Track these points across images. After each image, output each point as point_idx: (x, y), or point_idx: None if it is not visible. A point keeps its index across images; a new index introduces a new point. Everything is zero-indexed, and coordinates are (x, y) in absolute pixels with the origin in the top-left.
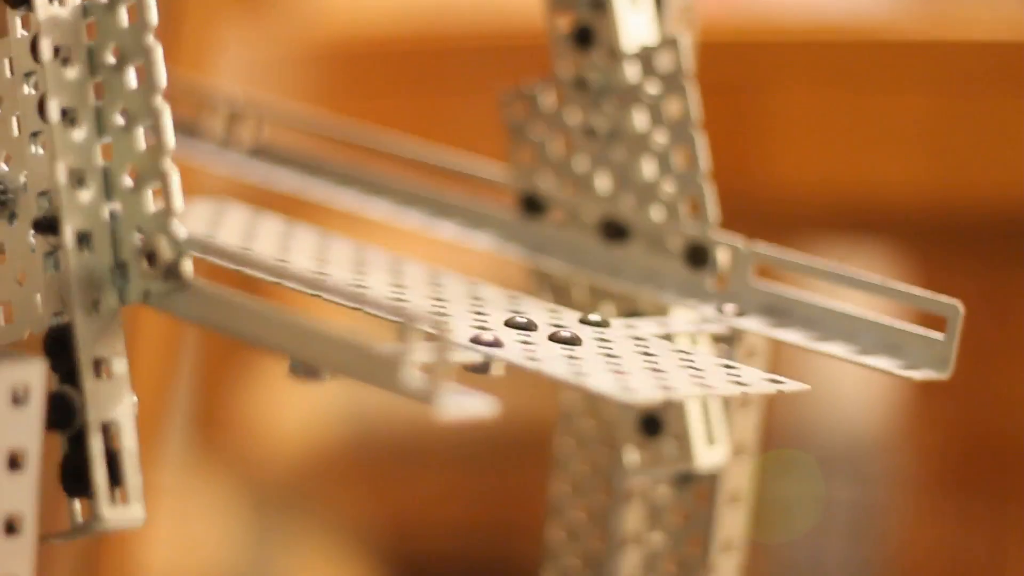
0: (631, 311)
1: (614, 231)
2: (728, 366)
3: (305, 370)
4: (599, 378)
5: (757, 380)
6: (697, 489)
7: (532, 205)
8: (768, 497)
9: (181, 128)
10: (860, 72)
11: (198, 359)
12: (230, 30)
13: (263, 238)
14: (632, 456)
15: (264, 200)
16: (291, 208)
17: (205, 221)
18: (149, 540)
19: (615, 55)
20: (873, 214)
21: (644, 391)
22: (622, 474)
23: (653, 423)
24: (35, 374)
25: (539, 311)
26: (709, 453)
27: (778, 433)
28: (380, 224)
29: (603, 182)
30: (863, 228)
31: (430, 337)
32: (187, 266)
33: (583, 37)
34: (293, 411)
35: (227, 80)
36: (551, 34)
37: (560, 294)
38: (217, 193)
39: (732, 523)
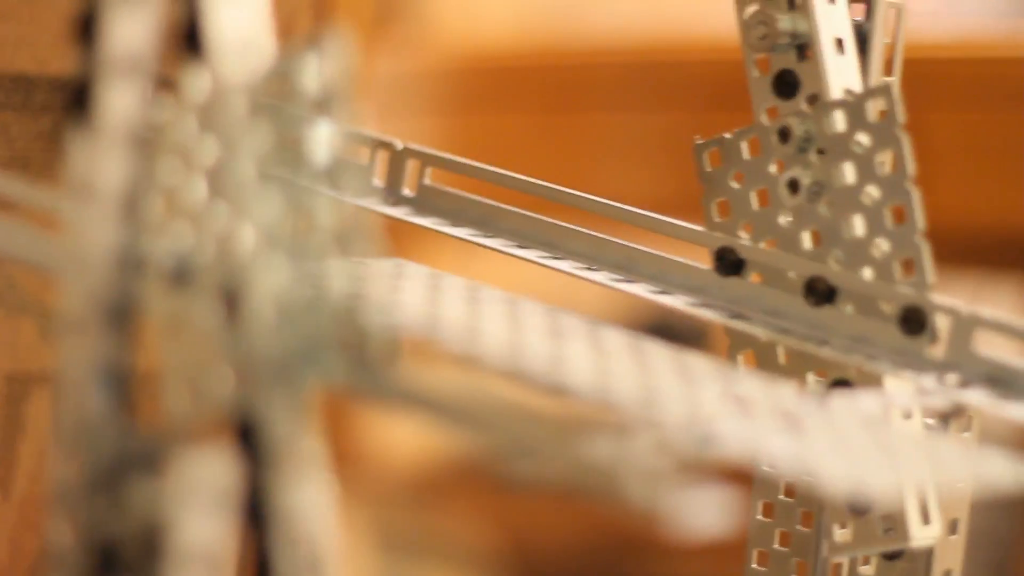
0: (839, 380)
1: (820, 292)
2: (965, 447)
3: (506, 461)
4: (829, 465)
5: (1002, 470)
6: (907, 567)
7: (729, 262)
8: None
9: None
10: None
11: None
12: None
13: (451, 305)
14: (838, 533)
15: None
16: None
17: (384, 284)
18: None
19: (820, 101)
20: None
21: (882, 481)
22: (828, 553)
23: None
24: (225, 469)
25: (754, 384)
26: (923, 532)
27: None
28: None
29: (808, 239)
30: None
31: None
32: (391, 352)
33: (785, 82)
34: (410, 432)
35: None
36: (750, 78)
37: (764, 359)
38: None
39: None
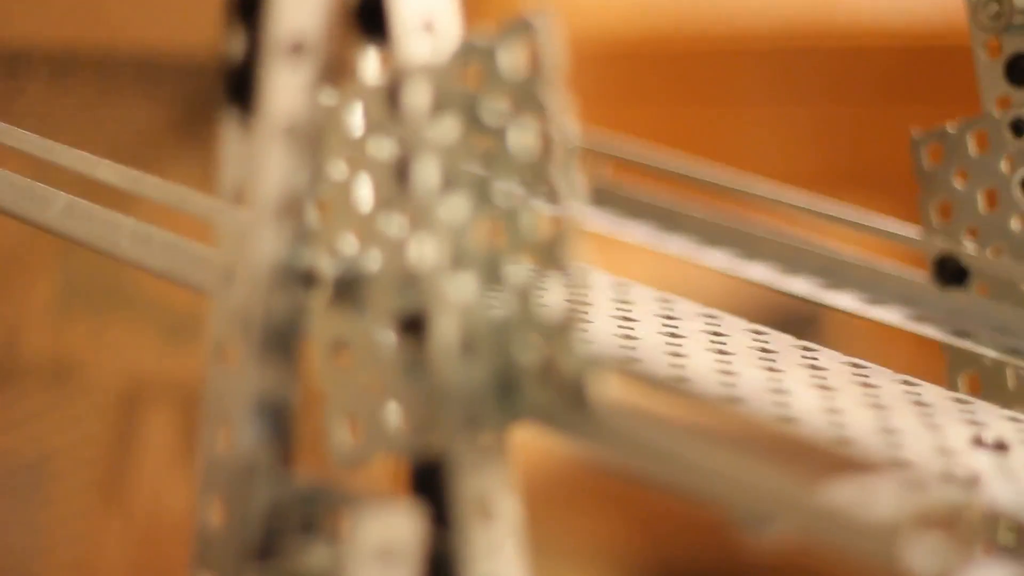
0: None
1: None
2: None
3: (748, 525)
4: None
5: None
6: None
7: (951, 271)
8: None
9: None
10: None
11: None
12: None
13: (647, 324)
14: None
15: None
16: None
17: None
18: None
19: None
20: None
21: None
22: None
23: None
24: (407, 524)
25: (997, 419)
26: None
27: None
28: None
29: None
30: None
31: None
32: (597, 386)
33: (1019, 68)
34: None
35: None
36: (978, 62)
37: (991, 382)
38: None
39: None
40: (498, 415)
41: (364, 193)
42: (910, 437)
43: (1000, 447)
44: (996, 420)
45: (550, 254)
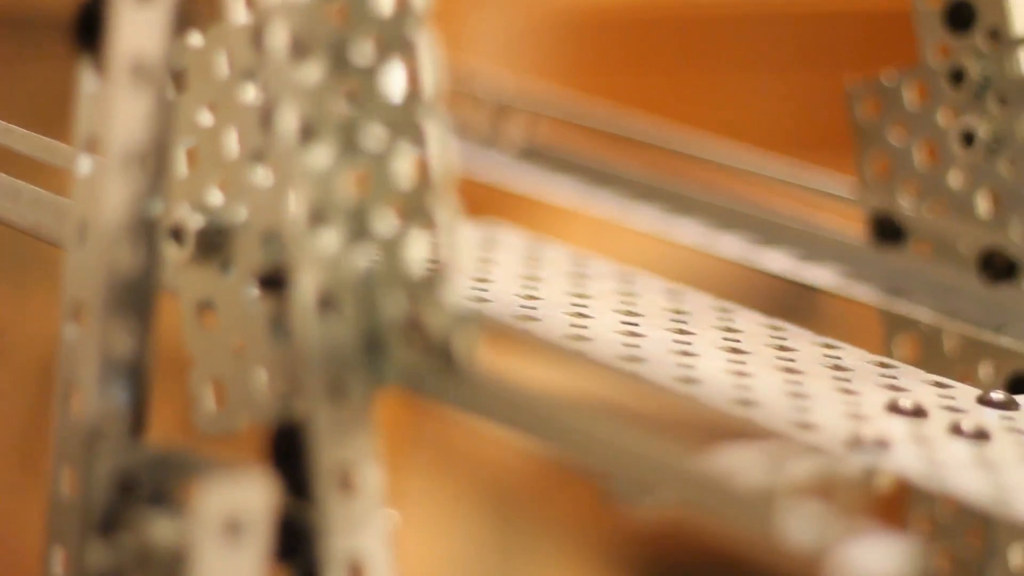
0: (1019, 373)
1: (998, 268)
2: None
3: (631, 493)
4: None
5: None
6: None
7: (888, 230)
8: None
9: None
10: None
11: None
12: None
13: (550, 284)
14: (1015, 556)
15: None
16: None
17: (475, 258)
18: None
19: (1003, 39)
20: None
21: None
22: None
23: None
24: (256, 495)
25: (921, 385)
26: None
27: None
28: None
29: (984, 203)
30: None
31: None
32: (468, 344)
33: (960, 15)
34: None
35: (470, 56)
36: (917, 9)
37: (929, 345)
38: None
39: None
40: (363, 379)
41: (230, 141)
42: (819, 402)
43: (918, 413)
44: (918, 386)
45: (419, 205)
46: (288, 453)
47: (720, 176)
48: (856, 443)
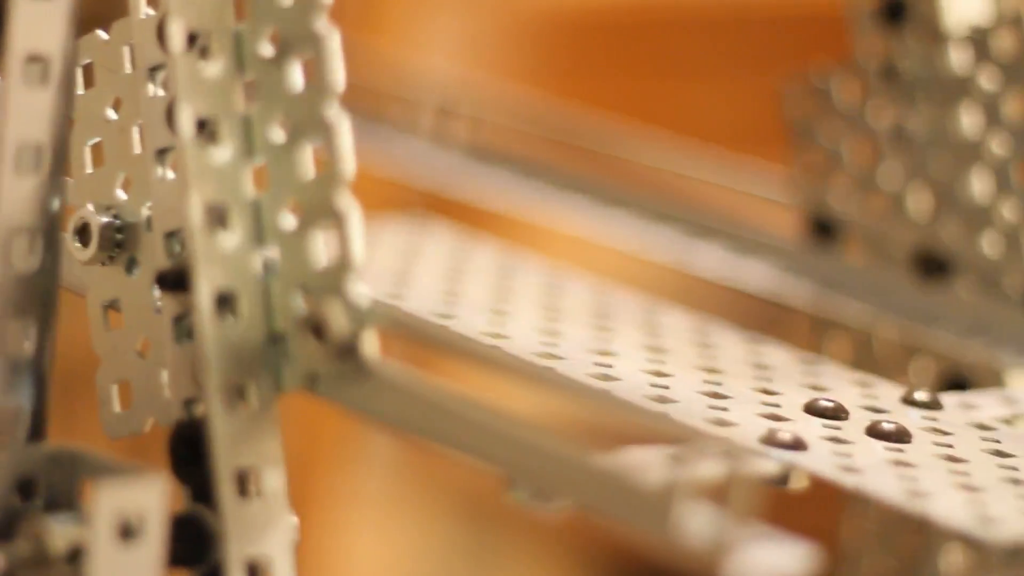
0: (954, 373)
1: (932, 266)
2: None
3: (532, 496)
4: (945, 502)
5: None
6: None
7: (822, 229)
8: None
9: (380, 122)
10: None
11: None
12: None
13: (475, 283)
14: (952, 557)
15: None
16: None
17: (396, 257)
18: (357, 553)
19: (936, 36)
20: None
21: (1013, 525)
22: None
23: None
24: (150, 498)
25: (845, 385)
26: None
27: None
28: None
29: (918, 202)
30: None
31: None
32: (369, 343)
33: (894, 12)
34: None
35: (435, 58)
36: (851, 7)
37: (861, 345)
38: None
39: None
40: (264, 382)
41: (135, 138)
42: (737, 402)
43: (837, 414)
44: (842, 385)
45: (321, 201)
46: (191, 457)
47: (663, 176)
48: (770, 443)
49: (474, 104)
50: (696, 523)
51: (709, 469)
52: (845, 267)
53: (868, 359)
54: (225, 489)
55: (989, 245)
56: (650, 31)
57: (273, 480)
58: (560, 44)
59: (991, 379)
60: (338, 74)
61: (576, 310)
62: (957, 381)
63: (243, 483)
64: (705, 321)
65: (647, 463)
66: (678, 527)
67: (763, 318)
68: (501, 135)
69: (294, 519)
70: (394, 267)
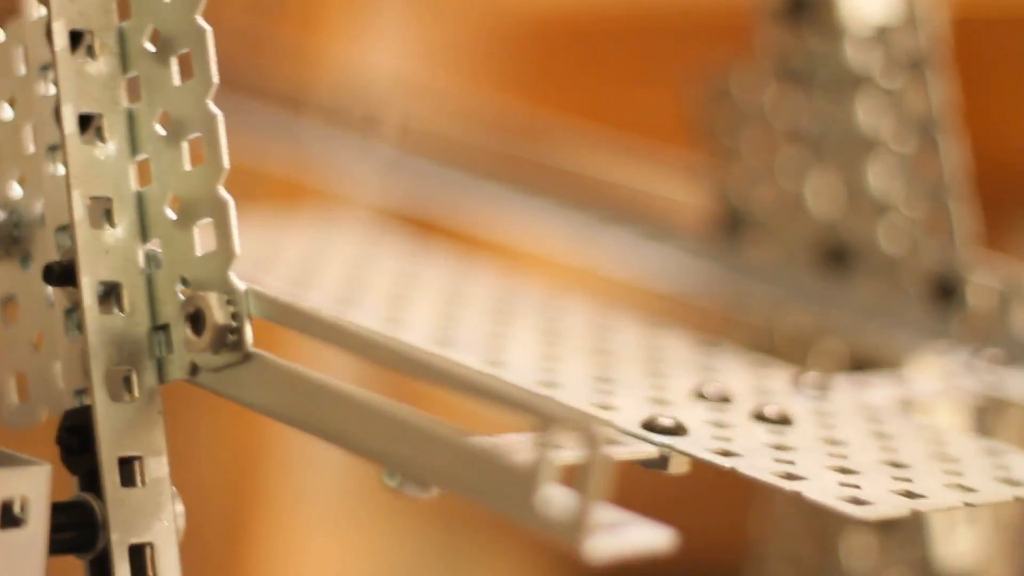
0: (855, 360)
1: (834, 257)
2: (992, 451)
3: (407, 481)
4: (820, 483)
5: None
6: None
7: (728, 223)
8: None
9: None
10: None
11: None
12: (400, 8)
13: (378, 277)
14: (853, 555)
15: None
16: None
17: (303, 253)
18: (310, 558)
19: (836, 34)
20: None
21: (882, 505)
22: (841, 572)
23: None
24: (34, 484)
25: (738, 371)
26: (956, 549)
27: None
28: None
29: (818, 194)
30: None
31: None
32: (246, 333)
33: (796, 11)
34: (482, 417)
35: (396, 62)
36: (754, 7)
37: (762, 337)
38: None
39: None
40: (148, 373)
41: (28, 135)
42: (625, 387)
43: (724, 399)
44: (734, 370)
45: (202, 196)
46: (80, 446)
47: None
48: (651, 428)
49: (406, 104)
50: (555, 505)
51: (571, 453)
52: (749, 257)
53: (772, 345)
54: (109, 477)
55: (886, 235)
56: (607, 37)
57: (157, 468)
58: (510, 47)
59: (889, 363)
60: (213, 70)
61: (480, 301)
62: (857, 365)
63: (128, 472)
64: (609, 310)
65: (514, 447)
66: (538, 509)
67: (687, 313)
68: (430, 133)
69: (180, 507)
70: (299, 262)
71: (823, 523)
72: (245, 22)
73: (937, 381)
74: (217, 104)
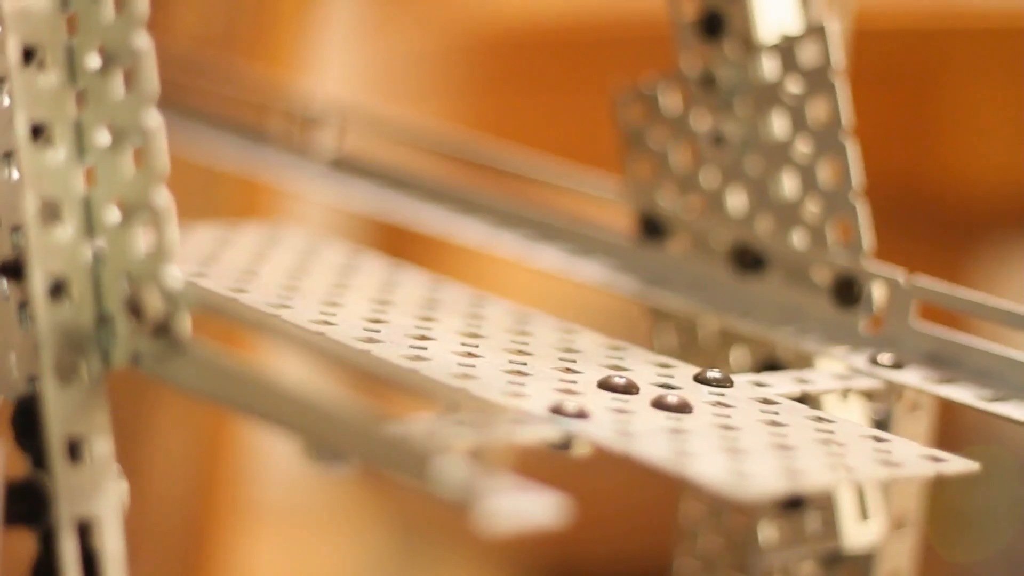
0: (768, 358)
1: (748, 260)
2: (877, 438)
3: (324, 455)
4: (707, 462)
5: (912, 459)
6: (848, 570)
7: (651, 227)
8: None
9: (252, 135)
10: None
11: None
12: (347, 33)
13: (315, 276)
14: (769, 532)
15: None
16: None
17: (247, 255)
18: (280, 568)
19: (750, 46)
20: None
21: (763, 480)
22: (758, 552)
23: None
24: None
25: (645, 366)
26: (861, 530)
27: (974, 430)
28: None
29: (736, 201)
30: None
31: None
32: (182, 323)
33: (712, 25)
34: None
35: (343, 85)
36: (675, 21)
37: (684, 337)
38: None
39: None
40: (94, 360)
41: None
42: (535, 379)
43: (628, 389)
44: (641, 366)
45: (140, 198)
46: (30, 427)
47: (512, 182)
48: (556, 413)
49: (339, 115)
50: (450, 473)
51: (470, 431)
52: (673, 262)
53: (693, 347)
54: (57, 455)
55: (798, 239)
56: (591, 47)
57: (101, 447)
58: (498, 63)
59: (801, 363)
60: (153, 83)
61: (407, 302)
62: (771, 366)
63: (75, 450)
64: (528, 311)
65: (420, 425)
66: (434, 476)
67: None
68: (365, 148)
69: (124, 484)
70: (242, 264)
71: (736, 520)
72: (195, 52)
73: (834, 379)
74: (165, 121)
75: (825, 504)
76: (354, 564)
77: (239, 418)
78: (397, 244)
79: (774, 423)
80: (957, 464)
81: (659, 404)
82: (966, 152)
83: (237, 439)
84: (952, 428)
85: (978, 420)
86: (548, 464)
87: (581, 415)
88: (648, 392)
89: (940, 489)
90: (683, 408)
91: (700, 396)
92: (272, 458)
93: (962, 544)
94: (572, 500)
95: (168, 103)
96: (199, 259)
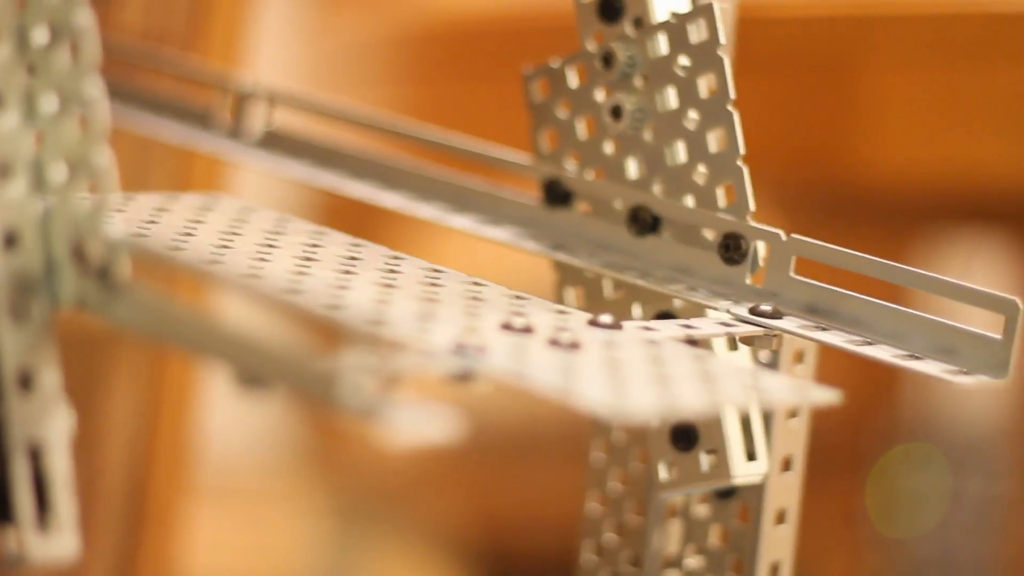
0: (664, 310)
1: (644, 221)
2: (750, 374)
3: (247, 381)
4: (592, 389)
5: (779, 390)
6: (740, 506)
7: (557, 194)
8: (895, 492)
9: (191, 115)
10: (959, 47)
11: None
12: (307, 17)
13: (246, 237)
14: (665, 472)
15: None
16: (356, 210)
17: (187, 217)
18: (222, 545)
19: (644, 25)
20: (979, 199)
21: (640, 406)
22: (656, 491)
23: (687, 436)
24: None
25: (544, 313)
26: (749, 468)
27: (905, 427)
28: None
29: (633, 167)
30: (968, 214)
31: (384, 345)
32: (121, 268)
33: (610, 7)
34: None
35: (295, 70)
36: (576, 3)
37: (591, 292)
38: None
39: (779, 544)
40: (43, 301)
41: None
42: (442, 323)
43: (525, 331)
44: (541, 312)
45: (83, 157)
46: None
47: (431, 155)
48: (458, 348)
49: (267, 95)
50: (357, 393)
51: (380, 361)
52: (577, 225)
53: (598, 303)
54: (10, 385)
55: (690, 202)
56: (536, 35)
57: (50, 378)
58: (443, 51)
59: (694, 315)
60: (95, 54)
61: (330, 258)
62: (667, 318)
63: (26, 381)
64: (441, 268)
65: (336, 358)
66: (343, 396)
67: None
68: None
69: (73, 413)
70: (179, 226)
71: (638, 465)
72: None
73: (717, 325)
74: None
75: (714, 445)
76: (294, 543)
77: (177, 357)
78: (354, 226)
79: (657, 360)
80: (820, 394)
81: (554, 342)
82: (883, 140)
83: (181, 419)
84: (888, 427)
85: (913, 419)
86: (489, 452)
87: (479, 351)
88: (544, 333)
89: (882, 477)
90: (575, 346)
91: (592, 337)
92: (216, 437)
93: (899, 523)
94: (510, 488)
95: (111, 89)
96: (139, 222)
